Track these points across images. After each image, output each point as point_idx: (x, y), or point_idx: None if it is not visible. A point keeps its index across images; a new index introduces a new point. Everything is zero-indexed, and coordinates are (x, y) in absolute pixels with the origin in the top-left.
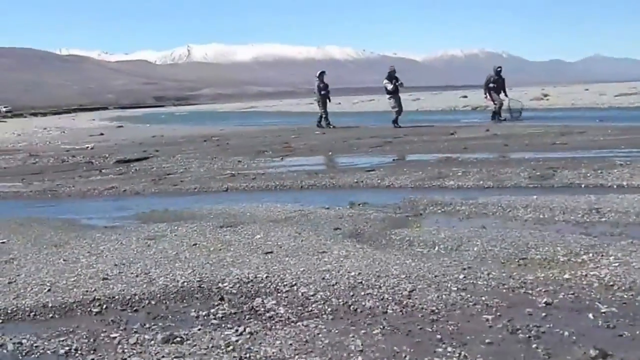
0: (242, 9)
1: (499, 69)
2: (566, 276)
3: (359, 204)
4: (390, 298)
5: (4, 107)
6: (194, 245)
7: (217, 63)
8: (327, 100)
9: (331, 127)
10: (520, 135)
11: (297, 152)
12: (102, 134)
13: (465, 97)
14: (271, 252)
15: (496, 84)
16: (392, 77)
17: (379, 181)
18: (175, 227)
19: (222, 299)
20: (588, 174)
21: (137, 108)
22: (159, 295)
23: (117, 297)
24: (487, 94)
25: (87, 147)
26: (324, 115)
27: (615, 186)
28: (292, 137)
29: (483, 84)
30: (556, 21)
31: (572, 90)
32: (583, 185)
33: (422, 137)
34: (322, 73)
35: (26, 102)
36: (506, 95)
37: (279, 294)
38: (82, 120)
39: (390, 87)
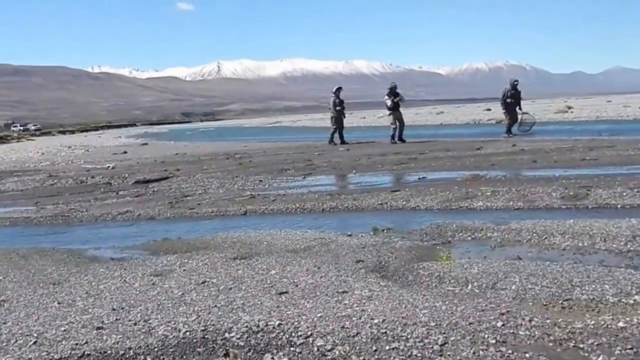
0: (271, 26)
1: (515, 83)
2: (620, 324)
3: (383, 230)
4: (419, 354)
5: (33, 125)
6: (202, 283)
7: (246, 78)
8: (342, 116)
9: (334, 144)
10: (547, 150)
11: (320, 170)
12: (125, 152)
13: (489, 110)
14: (286, 292)
15: (513, 99)
16: (393, 93)
17: (404, 203)
18: (185, 260)
19: (226, 354)
20: (624, 194)
21: (164, 124)
22: (156, 350)
23: (109, 351)
24: (505, 110)
25: (108, 166)
26: (332, 132)
27: None
28: (315, 154)
29: (501, 98)
30: (578, 33)
31: (594, 102)
32: (619, 206)
33: (448, 152)
34: (339, 89)
35: (56, 120)
36: (520, 109)
37: (291, 348)
38: (108, 137)
39: (389, 103)
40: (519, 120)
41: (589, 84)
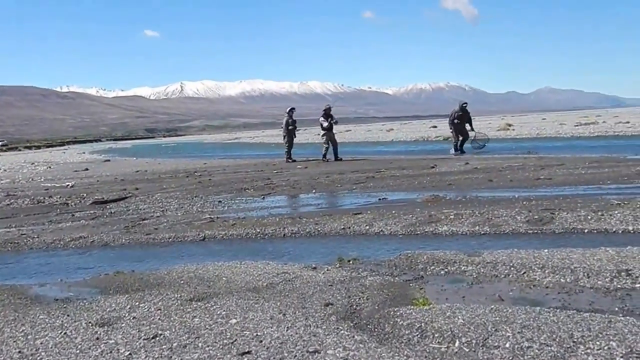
0: (232, 48)
1: (464, 105)
2: None
3: (349, 260)
4: None
5: (0, 141)
6: (153, 337)
7: (207, 97)
8: (294, 135)
9: (291, 161)
10: (500, 169)
11: (279, 189)
12: (86, 169)
13: (435, 127)
14: (249, 353)
15: (460, 120)
16: (327, 115)
17: (367, 227)
18: (136, 304)
19: None
20: (589, 217)
21: (129, 140)
22: None
23: None
24: (452, 130)
25: (68, 185)
26: (286, 150)
27: (620, 231)
28: (273, 172)
29: (449, 118)
30: (511, 56)
31: (530, 120)
32: (587, 231)
33: (404, 171)
34: (292, 109)
35: (24, 136)
36: (472, 128)
37: None
38: (72, 153)
39: (325, 124)
40: (471, 137)
41: (522, 102)
